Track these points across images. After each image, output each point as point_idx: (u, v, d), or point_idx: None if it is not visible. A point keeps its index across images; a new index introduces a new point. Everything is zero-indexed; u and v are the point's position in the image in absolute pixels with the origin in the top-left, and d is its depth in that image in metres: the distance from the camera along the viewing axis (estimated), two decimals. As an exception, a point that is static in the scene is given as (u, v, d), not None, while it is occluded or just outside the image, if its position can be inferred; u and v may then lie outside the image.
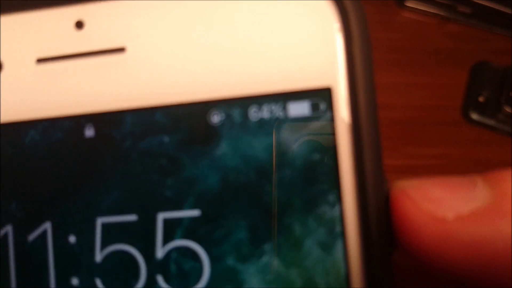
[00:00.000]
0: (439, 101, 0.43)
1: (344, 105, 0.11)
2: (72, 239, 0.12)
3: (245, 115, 0.12)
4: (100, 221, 0.12)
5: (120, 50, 0.12)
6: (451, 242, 0.10)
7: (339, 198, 0.11)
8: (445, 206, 0.10)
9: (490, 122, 0.42)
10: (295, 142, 0.11)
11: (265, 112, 0.12)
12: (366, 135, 0.11)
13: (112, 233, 0.12)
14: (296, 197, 0.11)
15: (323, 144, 0.11)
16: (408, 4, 0.46)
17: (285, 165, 0.11)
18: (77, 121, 0.12)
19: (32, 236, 0.12)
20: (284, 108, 0.11)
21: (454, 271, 0.11)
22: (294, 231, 0.11)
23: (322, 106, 0.11)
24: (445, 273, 0.11)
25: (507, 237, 0.10)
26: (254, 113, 0.12)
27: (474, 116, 0.42)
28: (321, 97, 0.11)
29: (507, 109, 0.41)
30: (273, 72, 0.12)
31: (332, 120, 0.11)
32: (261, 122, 0.12)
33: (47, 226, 0.12)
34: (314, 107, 0.11)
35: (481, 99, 0.42)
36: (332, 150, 0.11)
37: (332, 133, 0.11)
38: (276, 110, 0.12)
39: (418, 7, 0.46)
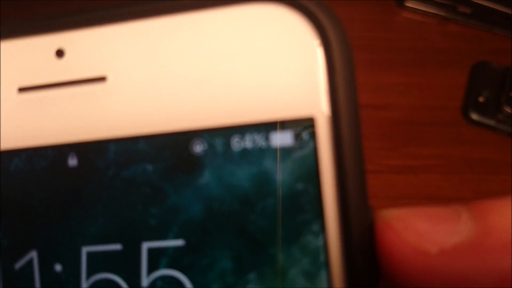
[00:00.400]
0: (439, 101, 0.43)
1: (327, 134, 0.11)
2: (58, 267, 0.12)
3: (227, 145, 0.12)
4: (85, 250, 0.12)
5: (101, 79, 0.12)
6: (434, 276, 0.10)
7: (322, 228, 0.11)
8: (428, 239, 0.10)
9: (490, 122, 0.42)
10: (278, 172, 0.11)
11: (248, 142, 0.12)
12: (350, 165, 0.11)
13: (97, 262, 0.12)
14: (280, 227, 0.11)
15: (306, 174, 0.11)
16: (408, 4, 0.46)
17: (268, 194, 0.11)
18: (60, 150, 0.12)
19: (18, 265, 0.12)
20: (267, 138, 0.11)
21: None
22: (278, 260, 0.11)
23: (305, 136, 0.11)
24: None
25: (491, 273, 0.10)
26: (236, 143, 0.12)
27: (474, 116, 0.42)
28: (303, 127, 0.11)
29: (507, 109, 0.41)
30: (256, 101, 0.12)
31: (315, 150, 0.11)
32: (244, 152, 0.12)
33: (33, 254, 0.12)
34: (297, 137, 0.11)
35: (481, 99, 0.42)
36: (315, 180, 0.11)
37: (315, 163, 0.11)
38: (258, 140, 0.11)
39: (418, 7, 0.46)
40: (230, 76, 0.12)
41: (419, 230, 0.10)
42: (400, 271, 0.10)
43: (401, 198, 0.39)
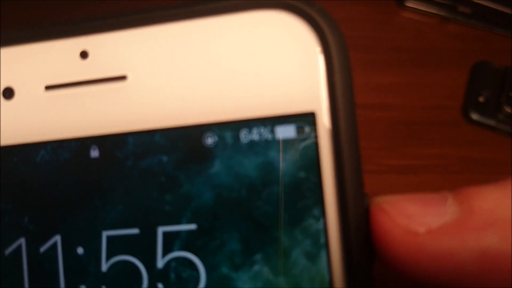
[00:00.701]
0: (439, 101, 0.43)
1: (326, 128, 0.12)
2: (80, 250, 0.13)
3: (236, 137, 0.13)
4: (105, 234, 0.13)
5: (122, 78, 0.13)
6: (422, 254, 0.11)
7: (323, 213, 0.12)
8: (417, 220, 0.11)
9: (490, 122, 0.42)
10: (283, 162, 0.12)
11: (255, 135, 0.13)
12: (347, 155, 0.12)
13: (116, 245, 0.13)
14: (283, 212, 0.12)
15: (308, 164, 0.12)
16: (408, 4, 0.46)
17: (273, 182, 0.13)
18: (83, 143, 0.13)
19: (43, 248, 0.13)
20: (272, 131, 0.13)
21: (426, 281, 0.11)
22: (282, 242, 0.12)
23: (307, 129, 0.12)
24: (418, 282, 0.12)
25: (472, 250, 0.11)
26: (244, 136, 0.13)
27: (474, 116, 0.42)
28: (305, 121, 0.12)
29: (507, 109, 0.41)
30: (263, 98, 0.13)
31: (315, 141, 0.12)
32: (251, 144, 0.13)
33: (57, 238, 0.13)
34: (299, 130, 0.13)
35: (481, 99, 0.42)
36: (316, 169, 0.12)
37: (316, 154, 0.12)
38: (264, 132, 0.13)
39: (418, 7, 0.46)
40: (239, 76, 0.13)
41: (409, 213, 0.12)
42: (392, 250, 0.12)
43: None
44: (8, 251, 0.13)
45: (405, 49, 0.45)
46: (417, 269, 0.11)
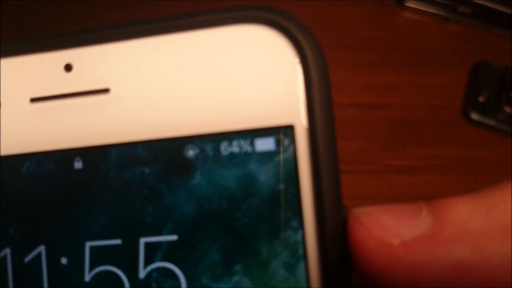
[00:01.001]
0: (439, 101, 0.43)
1: (305, 140, 0.13)
2: (64, 260, 0.14)
3: (217, 150, 0.13)
4: (88, 244, 0.13)
5: (105, 90, 0.14)
6: (396, 266, 0.12)
7: (301, 224, 0.12)
8: (392, 232, 0.12)
9: (490, 122, 0.42)
10: (262, 174, 0.13)
11: (235, 147, 0.13)
12: (325, 167, 0.13)
13: (99, 256, 0.13)
14: (263, 223, 0.13)
15: (286, 176, 0.13)
16: (408, 4, 0.46)
17: (252, 194, 0.13)
18: (67, 155, 0.14)
19: (28, 258, 0.14)
20: (252, 144, 0.13)
21: None
22: (261, 253, 0.13)
23: (286, 141, 0.13)
24: None
25: (445, 262, 0.11)
26: (225, 148, 0.13)
27: (474, 116, 0.42)
28: (284, 133, 0.13)
29: (507, 109, 0.41)
30: (243, 110, 0.13)
31: (294, 154, 0.13)
32: (231, 156, 0.13)
33: (42, 249, 0.14)
34: (278, 143, 0.13)
35: (481, 99, 0.42)
36: (294, 181, 0.13)
37: (295, 166, 0.13)
38: (244, 145, 0.13)
39: (418, 7, 0.46)
40: (219, 89, 0.13)
41: (384, 225, 0.12)
42: (368, 261, 0.12)
43: (401, 198, 0.39)
44: None
45: (405, 49, 0.45)
46: (392, 281, 0.12)
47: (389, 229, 0.12)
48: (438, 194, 0.40)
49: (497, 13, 0.45)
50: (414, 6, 0.46)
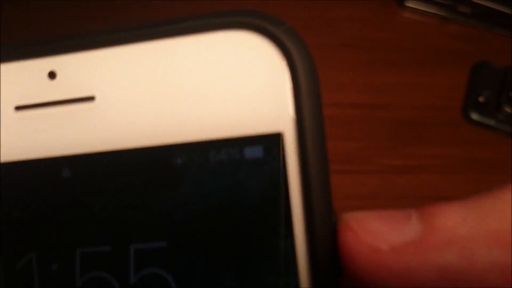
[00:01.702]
0: (439, 101, 0.43)
1: (294, 148, 0.13)
2: (55, 266, 0.14)
3: (205, 158, 0.13)
4: (79, 251, 0.14)
5: (90, 98, 0.14)
6: (385, 271, 0.12)
7: (291, 231, 0.12)
8: (381, 238, 0.12)
9: (490, 122, 0.42)
10: (251, 182, 0.13)
11: (223, 155, 0.13)
12: (315, 174, 0.12)
13: (90, 262, 0.13)
14: (252, 230, 0.13)
15: (275, 184, 0.13)
16: (408, 4, 0.46)
17: (241, 202, 0.13)
18: (54, 163, 0.14)
19: (19, 265, 0.14)
20: (240, 152, 0.13)
21: None
22: (251, 260, 0.13)
23: (274, 149, 0.13)
24: None
25: (433, 268, 0.11)
26: (213, 156, 0.13)
27: (474, 116, 0.42)
28: (273, 141, 0.13)
29: (507, 109, 0.41)
30: (231, 118, 0.13)
31: (283, 161, 0.13)
32: (220, 164, 0.13)
33: (32, 256, 0.14)
34: (267, 151, 0.13)
35: (481, 99, 0.42)
36: (283, 189, 0.13)
37: (284, 173, 0.13)
38: (233, 153, 0.13)
39: (418, 7, 0.46)
40: (207, 96, 0.13)
41: (374, 230, 0.12)
42: (357, 266, 0.12)
43: (401, 198, 0.39)
44: None
45: (405, 49, 0.45)
46: (381, 285, 0.12)
47: (378, 234, 0.12)
48: (437, 194, 0.40)
49: (497, 13, 0.45)
50: (414, 6, 0.46)
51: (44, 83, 0.14)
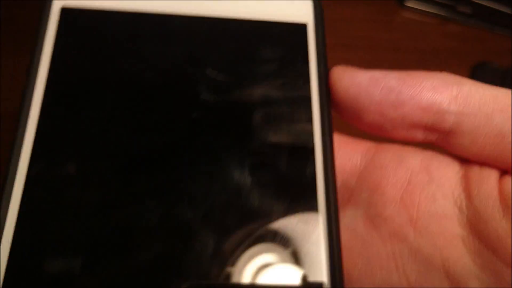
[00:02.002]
0: (439, 101, 0.43)
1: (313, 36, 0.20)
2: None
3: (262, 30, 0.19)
4: None
5: None
6: (364, 97, 0.17)
7: (308, 79, 0.18)
8: (362, 73, 0.17)
9: (490, 122, 0.42)
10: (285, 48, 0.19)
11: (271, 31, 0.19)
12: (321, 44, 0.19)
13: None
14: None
15: (305, 54, 0.19)
16: (408, 4, 0.46)
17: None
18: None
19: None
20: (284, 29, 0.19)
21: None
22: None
23: (303, 31, 0.19)
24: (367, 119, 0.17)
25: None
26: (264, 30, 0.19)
27: (474, 116, 0.42)
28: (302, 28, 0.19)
29: (507, 109, 0.41)
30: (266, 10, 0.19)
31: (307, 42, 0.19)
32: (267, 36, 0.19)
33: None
34: (298, 32, 0.19)
35: (481, 99, 0.42)
36: (305, 51, 0.19)
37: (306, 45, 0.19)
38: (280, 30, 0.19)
39: (418, 7, 0.46)
40: None
41: (357, 71, 0.17)
42: (341, 90, 0.17)
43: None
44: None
45: (405, 49, 0.45)
46: (364, 111, 0.17)
47: (361, 72, 0.17)
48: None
49: (497, 13, 0.45)
50: (414, 6, 0.46)
51: None
